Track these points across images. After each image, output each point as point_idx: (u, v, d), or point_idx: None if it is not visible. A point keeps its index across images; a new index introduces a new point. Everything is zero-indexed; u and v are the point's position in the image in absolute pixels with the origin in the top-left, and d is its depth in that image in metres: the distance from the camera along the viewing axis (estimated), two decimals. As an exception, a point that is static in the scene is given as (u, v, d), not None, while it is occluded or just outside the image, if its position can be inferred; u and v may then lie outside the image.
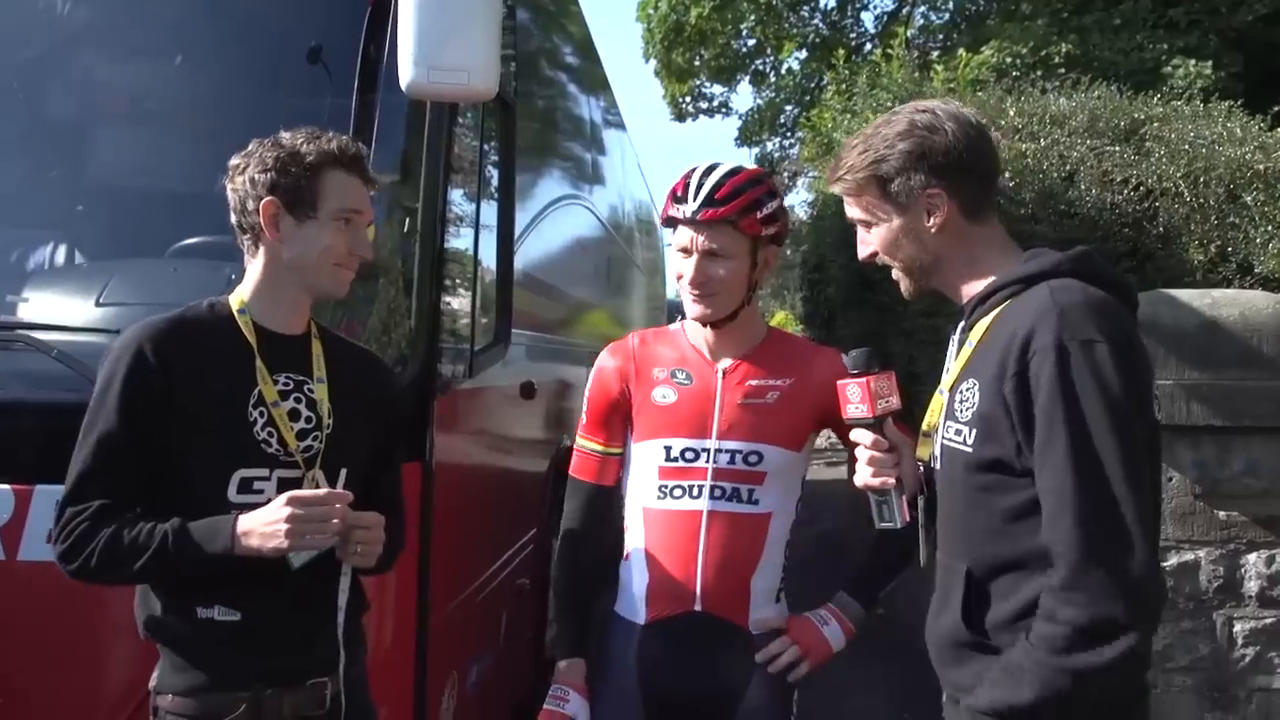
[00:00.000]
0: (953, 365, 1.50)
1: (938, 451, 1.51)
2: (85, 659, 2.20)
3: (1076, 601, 1.28)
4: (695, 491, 1.91)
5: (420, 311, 2.54)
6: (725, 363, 1.96)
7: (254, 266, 1.69)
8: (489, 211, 3.20)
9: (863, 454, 1.60)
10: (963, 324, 1.51)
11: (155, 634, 1.65)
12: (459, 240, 2.93)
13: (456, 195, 2.90)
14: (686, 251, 1.86)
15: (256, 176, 1.64)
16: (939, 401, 1.52)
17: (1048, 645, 1.31)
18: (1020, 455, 1.36)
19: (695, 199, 1.83)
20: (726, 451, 1.89)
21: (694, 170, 1.88)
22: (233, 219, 1.68)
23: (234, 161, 1.68)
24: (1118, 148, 3.69)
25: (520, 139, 3.45)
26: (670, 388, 1.96)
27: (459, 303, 2.92)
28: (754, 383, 1.93)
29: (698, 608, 1.92)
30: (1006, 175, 3.65)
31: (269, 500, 1.60)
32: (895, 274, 1.56)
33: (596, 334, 5.89)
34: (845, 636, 1.89)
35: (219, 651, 1.62)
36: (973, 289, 1.50)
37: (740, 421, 1.90)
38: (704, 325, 1.95)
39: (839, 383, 1.62)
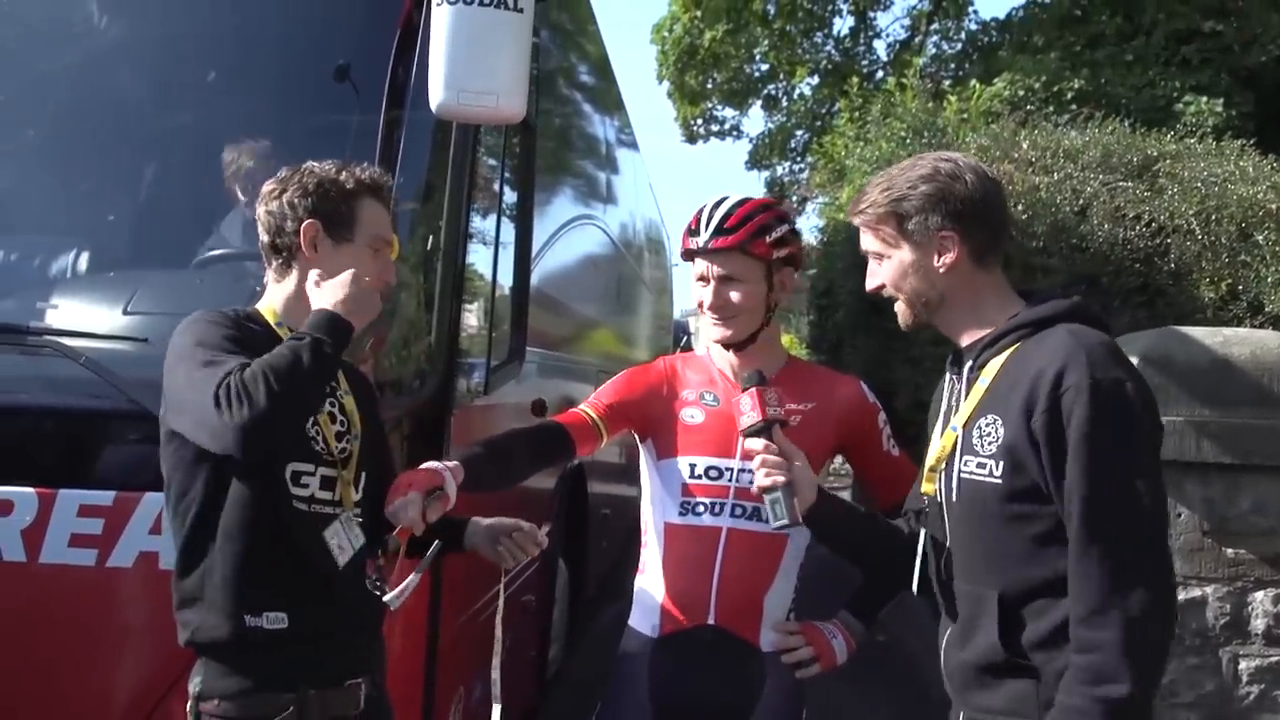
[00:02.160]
0: (962, 403, 1.58)
1: (954, 485, 1.57)
2: (105, 661, 2.23)
3: (1111, 624, 1.36)
4: (717, 509, 1.97)
5: (440, 327, 2.58)
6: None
7: (283, 285, 1.75)
8: (508, 230, 3.24)
9: (756, 460, 1.73)
10: (970, 363, 1.59)
11: (202, 643, 1.67)
12: (478, 258, 2.97)
13: (478, 213, 2.94)
14: (704, 280, 1.97)
15: (297, 200, 1.70)
16: (951, 437, 1.58)
17: (1093, 675, 1.37)
18: (1049, 484, 1.45)
19: (707, 230, 1.94)
20: (749, 471, 1.91)
21: (705, 205, 1.98)
22: (264, 238, 1.74)
23: (269, 187, 1.74)
24: (1130, 183, 3.73)
25: (539, 158, 3.50)
26: (698, 408, 2.04)
27: (477, 319, 2.95)
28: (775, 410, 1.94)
29: (711, 621, 1.96)
30: (1019, 208, 3.67)
31: (313, 495, 1.67)
32: (898, 305, 1.65)
33: (604, 352, 5.93)
34: (848, 651, 1.94)
35: (267, 657, 1.66)
36: (974, 331, 1.61)
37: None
38: (726, 348, 2.02)
39: (733, 399, 1.74)
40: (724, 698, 1.96)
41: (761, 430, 1.73)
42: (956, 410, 1.59)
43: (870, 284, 1.67)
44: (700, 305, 1.99)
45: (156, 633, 2.25)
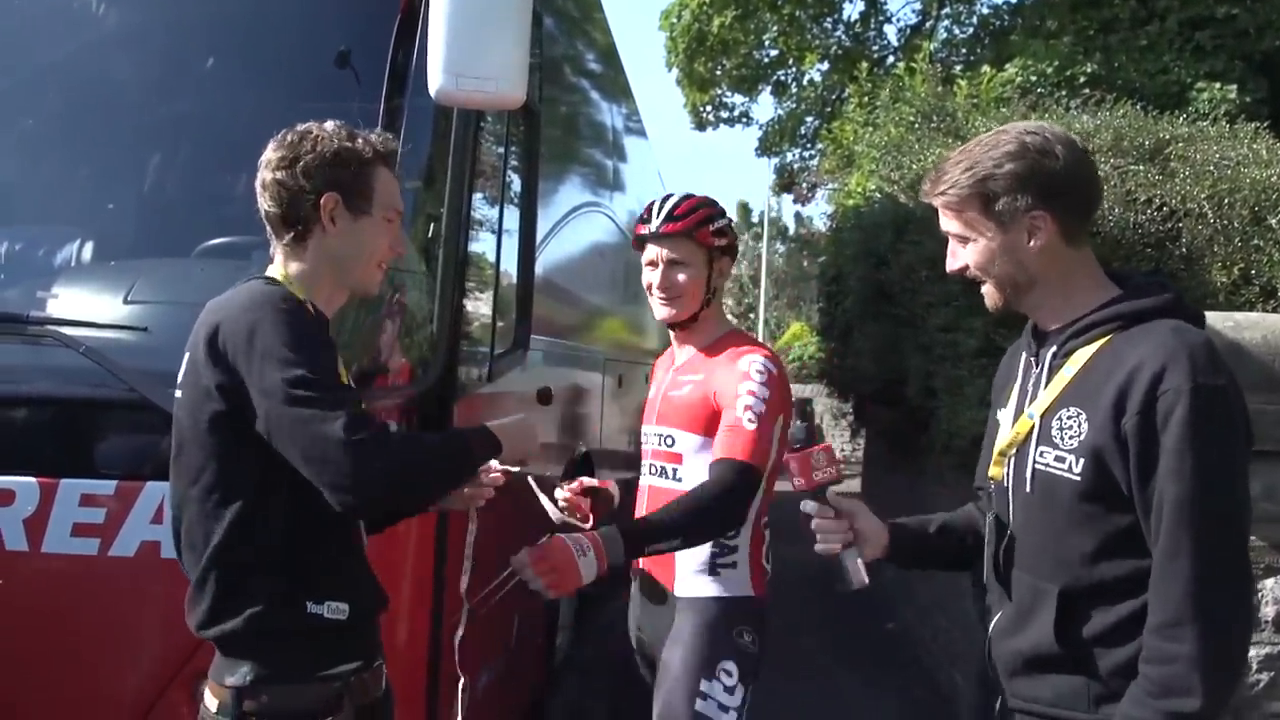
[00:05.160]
0: (1043, 392, 1.52)
1: (1027, 474, 1.52)
2: (108, 650, 2.23)
3: (1188, 636, 1.33)
4: (645, 469, 2.27)
5: (442, 315, 2.58)
6: (681, 360, 2.25)
7: (298, 260, 1.65)
8: (511, 217, 3.22)
9: (813, 525, 1.70)
10: (1054, 349, 1.52)
11: (254, 632, 1.57)
12: (481, 245, 2.95)
13: (480, 200, 2.92)
14: (653, 264, 2.19)
15: (314, 170, 1.60)
16: (1026, 424, 1.53)
17: (1163, 688, 1.34)
18: (1131, 487, 1.40)
19: (658, 218, 2.17)
20: (655, 434, 2.23)
21: (655, 200, 2.22)
22: (273, 209, 1.62)
23: (276, 153, 1.63)
24: (1142, 167, 3.67)
25: (543, 145, 3.47)
26: (654, 384, 2.34)
27: (480, 307, 2.94)
28: (682, 377, 2.21)
29: (642, 564, 2.25)
30: None
31: None
32: (986, 288, 1.59)
33: (611, 341, 5.91)
34: (597, 570, 1.82)
35: (325, 645, 1.61)
36: (1063, 314, 1.53)
37: (664, 410, 2.22)
38: (670, 326, 2.25)
39: (787, 458, 1.75)
40: (643, 634, 2.26)
41: (813, 495, 1.71)
42: (1033, 397, 1.54)
43: (952, 265, 1.60)
44: (650, 287, 2.20)
45: (160, 622, 2.26)
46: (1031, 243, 1.51)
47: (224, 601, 1.58)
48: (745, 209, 32.35)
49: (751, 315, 29.71)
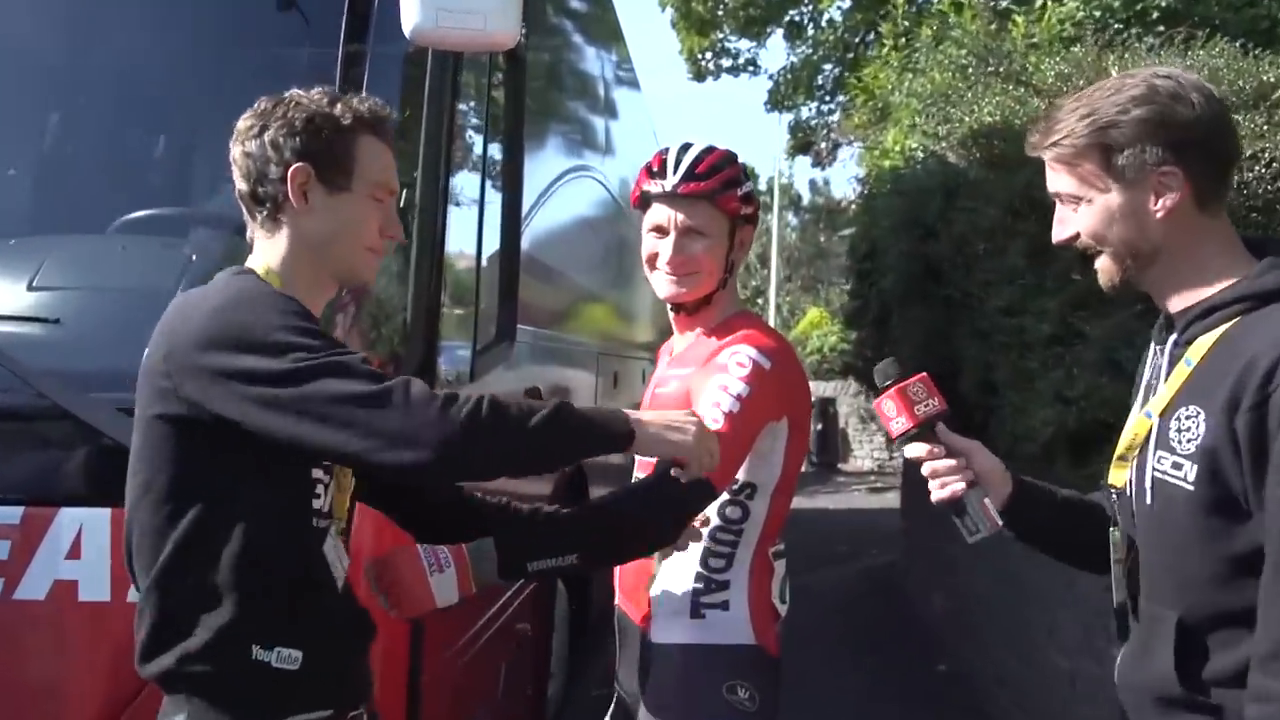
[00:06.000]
0: (1163, 386, 1.53)
1: (1147, 483, 1.53)
2: (15, 714, 2.18)
3: None
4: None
5: (417, 303, 2.54)
6: (680, 349, 2.14)
7: (276, 243, 1.69)
8: (495, 187, 3.18)
9: (924, 469, 1.72)
10: (1174, 338, 1.54)
11: (192, 674, 1.59)
12: (462, 221, 2.92)
13: (459, 167, 2.89)
14: (661, 231, 2.05)
15: (281, 139, 1.64)
16: (1144, 425, 1.54)
17: None
18: (1248, 496, 1.39)
19: (675, 173, 2.02)
20: None
21: (669, 148, 2.08)
22: (242, 186, 1.68)
23: (245, 123, 1.67)
24: (1243, 115, 3.66)
25: (529, 100, 3.45)
26: (651, 379, 2.23)
27: (461, 294, 2.91)
28: (672, 371, 2.10)
29: (617, 600, 2.16)
30: None
31: (322, 508, 1.66)
32: (1101, 262, 1.58)
33: (603, 332, 5.87)
34: (458, 594, 1.75)
35: (273, 696, 1.61)
36: (1190, 295, 1.53)
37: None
38: (676, 309, 2.11)
39: (875, 402, 1.74)
40: (622, 688, 2.14)
41: (918, 435, 1.70)
42: (1155, 392, 1.55)
43: (1060, 234, 1.60)
44: (652, 259, 2.06)
45: (78, 677, 2.21)
46: (1159, 204, 1.49)
47: (160, 633, 1.60)
48: (751, 175, 32.42)
49: (760, 301, 29.77)
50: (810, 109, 16.62)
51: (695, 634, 2.00)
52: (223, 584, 1.57)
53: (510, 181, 3.29)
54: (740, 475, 1.97)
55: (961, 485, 1.68)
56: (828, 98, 16.06)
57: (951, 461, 1.70)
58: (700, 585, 2.01)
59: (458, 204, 2.91)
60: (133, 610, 1.62)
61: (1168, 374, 1.53)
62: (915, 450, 1.72)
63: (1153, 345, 1.62)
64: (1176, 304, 1.54)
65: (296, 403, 1.50)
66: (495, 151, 3.26)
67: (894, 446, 1.76)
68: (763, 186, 31.41)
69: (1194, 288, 1.52)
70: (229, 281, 1.64)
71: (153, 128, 2.67)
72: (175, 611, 1.59)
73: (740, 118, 44.06)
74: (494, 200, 3.19)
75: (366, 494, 1.82)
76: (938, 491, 1.70)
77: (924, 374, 1.71)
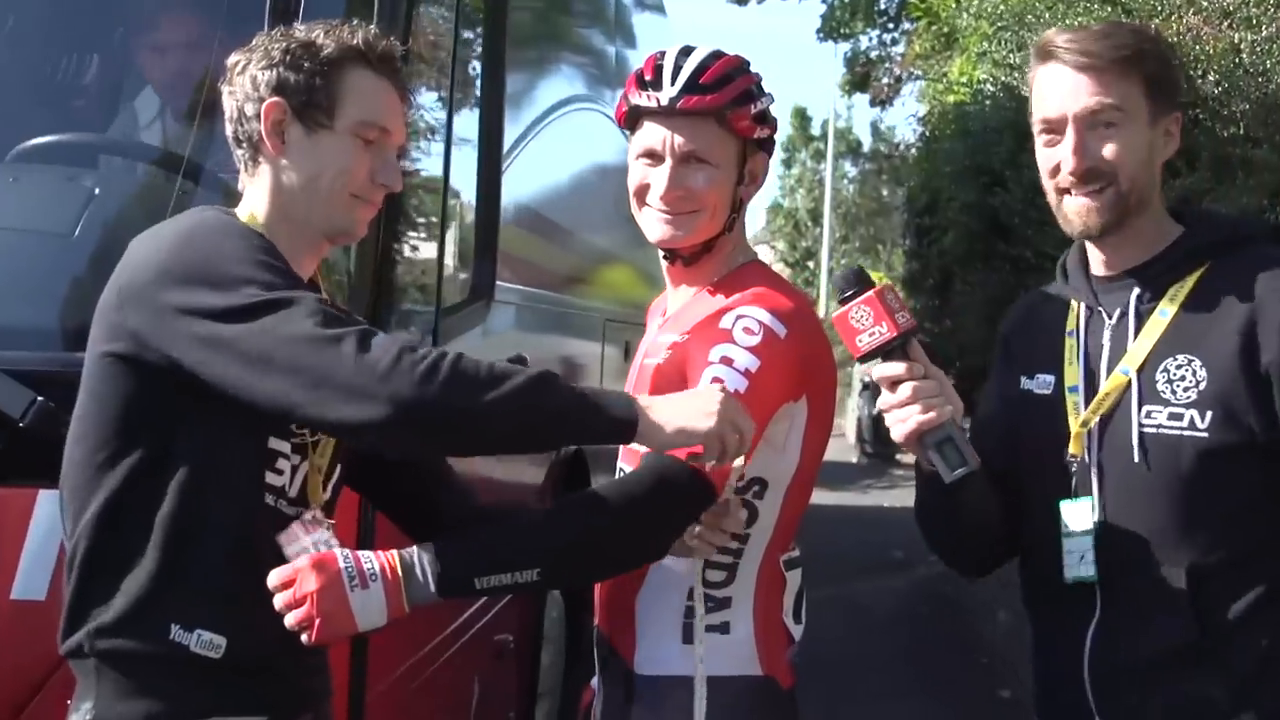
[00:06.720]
0: (1134, 343, 1.74)
1: (1131, 442, 1.72)
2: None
3: None
4: (617, 473, 2.01)
5: (363, 257, 2.52)
6: (673, 308, 2.03)
7: (256, 191, 1.78)
8: (468, 119, 3.18)
9: (902, 391, 1.69)
10: (1138, 291, 1.76)
11: (103, 650, 1.65)
12: (425, 160, 2.94)
13: (423, 97, 2.90)
14: (654, 157, 1.92)
15: (259, 74, 1.71)
16: (1117, 382, 1.74)
17: None
18: (1260, 434, 1.64)
19: (674, 83, 1.89)
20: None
21: (666, 52, 1.95)
22: (228, 129, 1.77)
23: (233, 59, 1.76)
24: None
25: (512, 15, 3.44)
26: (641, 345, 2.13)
27: (422, 246, 2.91)
28: (662, 337, 1.98)
29: (597, 623, 2.07)
30: (1211, 77, 3.59)
31: (284, 486, 1.72)
32: (1098, 199, 1.70)
33: (613, 295, 5.82)
34: (386, 615, 1.67)
35: (190, 683, 1.66)
36: (1148, 249, 1.76)
37: (638, 386, 1.98)
38: (668, 256, 2.00)
39: (835, 316, 1.71)
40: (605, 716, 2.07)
41: (894, 350, 1.69)
42: (1117, 351, 1.75)
43: (1086, 157, 1.70)
44: (642, 192, 1.93)
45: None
46: (1167, 149, 1.75)
47: (77, 604, 1.67)
48: (802, 116, 32.14)
49: (810, 264, 29.66)
50: (870, 38, 16.57)
51: (689, 664, 1.91)
52: (150, 548, 1.63)
53: (488, 113, 3.27)
54: (747, 469, 1.87)
55: (949, 408, 1.68)
56: (891, 25, 16.00)
57: (934, 382, 1.69)
58: (695, 603, 1.91)
59: (422, 141, 2.91)
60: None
61: (1137, 330, 1.74)
62: (893, 369, 1.69)
63: (1074, 307, 1.81)
64: (1134, 258, 1.76)
65: (240, 339, 1.54)
66: (471, 77, 3.24)
67: (857, 363, 1.83)
68: (815, 130, 31.31)
69: (1151, 242, 1.76)
70: (195, 214, 1.74)
71: (54, 44, 2.63)
72: (96, 572, 1.66)
73: (788, 51, 43.82)
74: (468, 136, 3.18)
75: (353, 478, 1.88)
76: (919, 416, 1.67)
77: (888, 282, 1.75)
